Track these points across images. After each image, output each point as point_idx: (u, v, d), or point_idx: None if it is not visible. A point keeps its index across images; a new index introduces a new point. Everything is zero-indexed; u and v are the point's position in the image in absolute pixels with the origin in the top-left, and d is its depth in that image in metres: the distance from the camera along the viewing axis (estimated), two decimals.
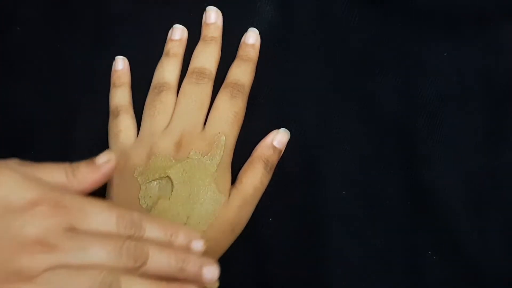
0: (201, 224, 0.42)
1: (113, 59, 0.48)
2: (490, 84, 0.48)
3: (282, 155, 0.46)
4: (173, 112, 0.45)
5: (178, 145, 0.43)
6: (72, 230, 0.33)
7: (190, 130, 0.44)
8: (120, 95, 0.47)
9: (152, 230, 0.35)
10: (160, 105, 0.45)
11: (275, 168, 0.45)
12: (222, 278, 0.44)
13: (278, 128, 0.46)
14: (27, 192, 0.33)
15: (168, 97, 0.46)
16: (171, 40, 0.48)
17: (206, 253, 0.41)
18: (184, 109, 0.45)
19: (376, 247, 0.45)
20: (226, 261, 0.43)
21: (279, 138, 0.46)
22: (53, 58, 0.49)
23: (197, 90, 0.45)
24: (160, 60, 0.47)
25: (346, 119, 0.47)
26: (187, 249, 0.36)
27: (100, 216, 0.34)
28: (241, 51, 0.47)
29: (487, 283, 0.44)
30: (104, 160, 0.37)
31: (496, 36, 0.49)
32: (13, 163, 0.35)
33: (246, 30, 0.48)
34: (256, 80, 0.47)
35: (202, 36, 0.48)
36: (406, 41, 0.49)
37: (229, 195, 0.43)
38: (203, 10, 0.48)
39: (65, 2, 0.50)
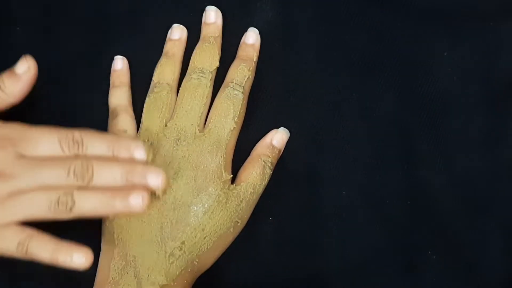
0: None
1: (113, 59, 0.48)
2: (490, 84, 0.48)
3: (282, 154, 0.46)
4: (173, 112, 0.45)
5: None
6: (22, 157, 0.37)
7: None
8: (120, 95, 0.47)
9: (94, 145, 0.39)
10: (159, 105, 0.45)
11: (276, 168, 0.45)
12: (222, 277, 0.45)
13: (278, 128, 0.46)
14: None
15: (167, 97, 0.46)
16: (171, 39, 0.48)
17: (206, 252, 0.42)
18: (184, 109, 0.45)
19: (375, 246, 0.45)
20: (226, 260, 0.43)
21: (278, 137, 0.46)
22: (53, 58, 0.49)
23: (197, 90, 0.45)
24: (159, 60, 0.47)
25: (346, 119, 0.47)
26: (131, 160, 0.39)
27: (43, 140, 0.38)
28: (241, 51, 0.47)
29: (487, 282, 0.44)
30: (24, 69, 0.41)
31: (495, 35, 0.49)
32: None
33: (246, 30, 0.48)
34: (256, 80, 0.47)
35: (201, 36, 0.48)
36: (406, 40, 0.49)
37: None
38: (202, 10, 0.48)
39: (64, 2, 0.50)
